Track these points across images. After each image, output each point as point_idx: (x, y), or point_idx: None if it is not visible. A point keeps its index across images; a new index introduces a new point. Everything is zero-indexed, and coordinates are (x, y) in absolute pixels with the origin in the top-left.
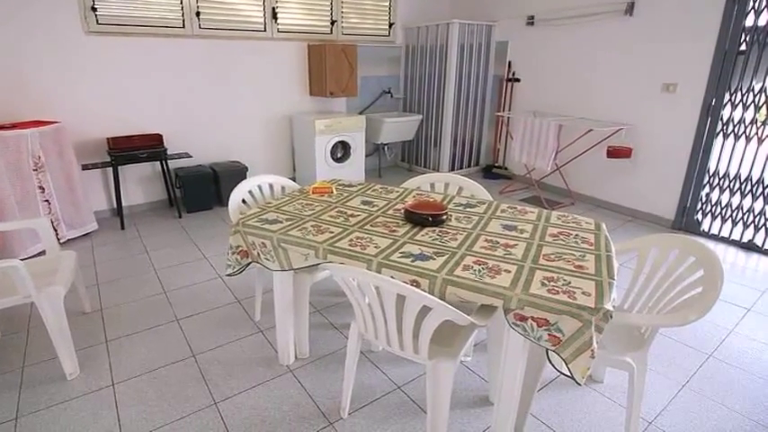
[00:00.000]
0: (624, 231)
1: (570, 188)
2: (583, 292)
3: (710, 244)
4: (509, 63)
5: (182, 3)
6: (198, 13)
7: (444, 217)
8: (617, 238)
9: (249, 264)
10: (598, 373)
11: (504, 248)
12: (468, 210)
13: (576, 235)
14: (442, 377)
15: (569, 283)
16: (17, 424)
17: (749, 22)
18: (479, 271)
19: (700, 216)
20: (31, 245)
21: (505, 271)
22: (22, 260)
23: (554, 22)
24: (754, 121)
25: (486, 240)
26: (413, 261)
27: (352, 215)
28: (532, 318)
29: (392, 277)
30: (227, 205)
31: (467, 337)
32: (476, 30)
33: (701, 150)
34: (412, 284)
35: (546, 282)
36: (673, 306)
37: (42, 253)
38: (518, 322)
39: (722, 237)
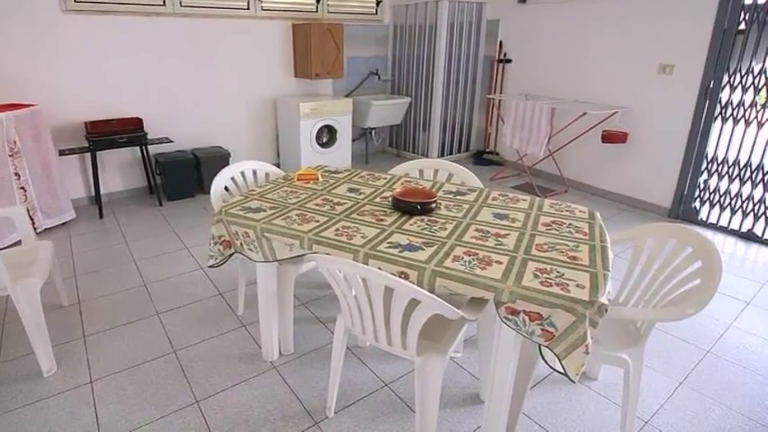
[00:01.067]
0: (619, 220)
1: (564, 175)
2: (577, 285)
3: (708, 233)
4: (500, 43)
5: None
6: None
7: (433, 205)
8: (612, 227)
9: (232, 254)
10: (592, 369)
11: (495, 238)
12: (458, 198)
13: (570, 224)
14: (430, 374)
15: (563, 274)
16: None
17: None
18: (470, 262)
19: (697, 204)
20: (7, 234)
21: (497, 262)
22: None
23: None
24: (753, 104)
25: (476, 230)
26: (401, 252)
27: (338, 203)
28: (524, 311)
29: (379, 269)
30: (209, 193)
31: (457, 332)
32: (466, 8)
33: (698, 135)
34: (400, 276)
35: (538, 273)
36: (670, 299)
37: (18, 243)
38: (510, 316)
39: (721, 226)
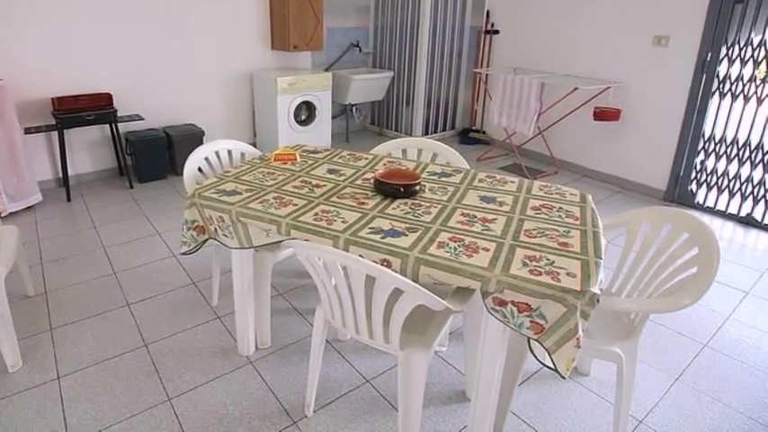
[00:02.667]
0: (612, 204)
1: (554, 155)
2: (567, 273)
3: (706, 218)
4: (487, 13)
5: None
6: None
7: (417, 187)
8: (604, 211)
9: (206, 241)
10: (584, 365)
11: (481, 223)
12: (443, 179)
13: (560, 208)
14: (414, 369)
15: (553, 262)
16: None
17: None
18: (455, 249)
19: (694, 186)
20: None
21: (483, 249)
22: None
23: None
24: (753, 79)
25: (462, 214)
26: (383, 238)
27: (317, 185)
28: (513, 302)
29: (361, 256)
30: (181, 174)
31: (442, 325)
32: None
33: (695, 111)
34: (382, 264)
35: (527, 261)
36: (665, 289)
37: None
38: (497, 307)
39: (718, 210)
